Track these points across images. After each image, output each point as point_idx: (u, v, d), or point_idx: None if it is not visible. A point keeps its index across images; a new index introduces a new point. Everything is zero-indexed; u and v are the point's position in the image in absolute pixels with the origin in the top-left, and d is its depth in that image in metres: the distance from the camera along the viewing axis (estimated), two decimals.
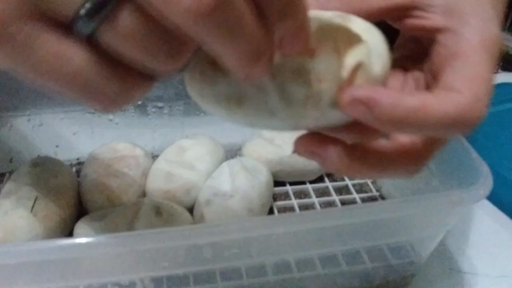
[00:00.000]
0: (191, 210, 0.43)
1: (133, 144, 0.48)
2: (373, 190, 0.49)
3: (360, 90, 0.21)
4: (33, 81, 0.18)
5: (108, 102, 0.19)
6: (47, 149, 0.51)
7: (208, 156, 0.47)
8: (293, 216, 0.34)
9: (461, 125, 0.22)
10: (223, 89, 0.22)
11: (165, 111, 0.53)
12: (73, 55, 0.18)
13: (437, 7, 0.25)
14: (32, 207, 0.39)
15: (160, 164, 0.45)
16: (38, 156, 0.49)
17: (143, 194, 0.44)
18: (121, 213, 0.38)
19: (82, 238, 0.29)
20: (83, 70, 0.18)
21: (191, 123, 0.53)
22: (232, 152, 0.54)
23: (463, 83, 0.23)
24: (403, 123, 0.21)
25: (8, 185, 0.41)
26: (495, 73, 0.24)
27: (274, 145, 0.49)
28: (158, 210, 0.38)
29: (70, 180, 0.44)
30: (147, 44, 0.18)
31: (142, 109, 0.52)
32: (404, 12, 0.26)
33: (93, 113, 0.51)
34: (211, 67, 0.21)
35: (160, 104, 0.52)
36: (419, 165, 0.25)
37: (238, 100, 0.22)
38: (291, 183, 0.49)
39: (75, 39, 0.18)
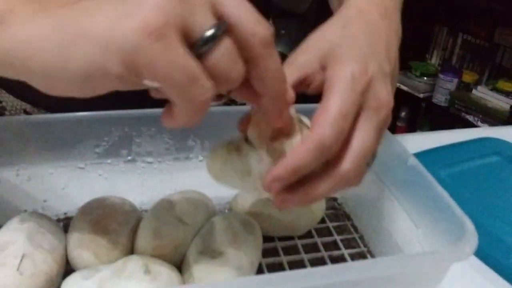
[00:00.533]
0: (179, 266, 0.43)
1: (122, 199, 0.48)
2: (361, 245, 0.49)
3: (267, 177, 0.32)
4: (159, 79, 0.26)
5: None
6: (34, 204, 0.51)
7: (197, 211, 0.47)
8: (283, 275, 0.34)
9: (320, 151, 0.31)
10: (239, 166, 0.35)
11: (155, 166, 0.53)
12: (191, 63, 0.26)
13: (317, 71, 0.36)
14: (19, 265, 0.38)
15: (148, 220, 0.45)
16: (25, 211, 0.49)
17: (132, 250, 0.44)
18: (109, 271, 0.38)
19: None
20: (195, 73, 0.26)
21: (180, 177, 0.54)
22: (221, 206, 0.55)
23: (314, 121, 0.32)
24: (296, 171, 0.31)
25: None
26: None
27: (263, 199, 0.49)
28: (146, 269, 0.38)
29: (58, 237, 0.43)
30: (232, 64, 0.27)
31: (131, 163, 0.52)
32: (305, 83, 0.36)
33: (83, 168, 0.51)
34: (229, 152, 0.35)
35: (149, 159, 0.53)
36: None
37: (248, 172, 0.34)
38: (280, 239, 0.49)
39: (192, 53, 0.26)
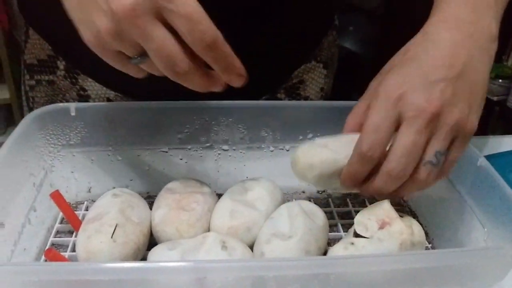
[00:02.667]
0: (250, 246, 0.46)
1: (200, 182, 0.52)
2: (426, 242, 0.51)
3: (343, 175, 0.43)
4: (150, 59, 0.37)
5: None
6: (122, 182, 0.56)
7: (268, 197, 0.50)
8: (353, 259, 0.37)
9: (362, 159, 0.40)
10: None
11: (230, 153, 0.57)
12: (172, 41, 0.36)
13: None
14: (113, 233, 0.43)
15: (225, 202, 0.49)
16: (114, 188, 0.54)
17: (208, 228, 0.48)
18: (190, 245, 0.42)
19: (161, 262, 0.33)
20: (176, 50, 0.36)
21: (252, 166, 0.58)
22: (289, 195, 0.58)
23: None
24: (352, 176, 0.42)
25: (92, 212, 0.46)
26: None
27: (328, 149, 0.50)
28: (224, 244, 0.42)
29: (145, 212, 0.48)
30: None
31: (209, 150, 0.56)
32: None
33: (166, 152, 0.56)
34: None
35: (225, 147, 0.57)
36: None
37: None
38: (345, 229, 0.51)
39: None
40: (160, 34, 0.36)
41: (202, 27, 0.35)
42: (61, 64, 0.59)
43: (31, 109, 0.63)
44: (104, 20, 0.35)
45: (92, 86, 0.60)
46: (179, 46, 0.36)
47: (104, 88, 0.60)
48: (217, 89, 0.40)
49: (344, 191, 0.45)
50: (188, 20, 0.35)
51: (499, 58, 2.22)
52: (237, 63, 0.38)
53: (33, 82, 0.62)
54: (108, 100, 0.60)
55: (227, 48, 0.37)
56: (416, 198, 0.57)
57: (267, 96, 0.63)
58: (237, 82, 0.39)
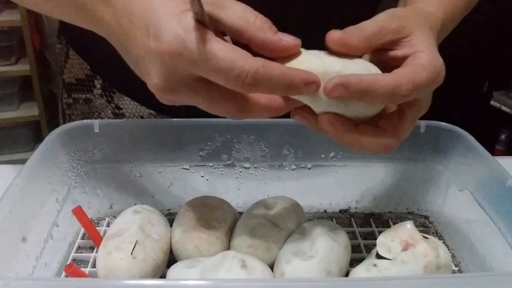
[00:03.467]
0: (270, 266, 0.45)
1: (221, 200, 0.52)
2: (452, 265, 0.49)
3: (338, 77, 0.35)
4: None
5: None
6: (143, 198, 0.56)
7: (290, 215, 0.50)
8: (371, 281, 0.35)
9: (395, 94, 0.35)
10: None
11: (251, 171, 0.57)
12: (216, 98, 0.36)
13: (405, 43, 0.39)
14: (132, 250, 0.43)
15: (245, 220, 0.48)
16: (135, 204, 0.55)
17: (228, 247, 0.47)
18: (209, 263, 0.42)
19: (180, 280, 0.32)
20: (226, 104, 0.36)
21: (274, 184, 0.57)
22: (311, 215, 0.57)
23: (401, 72, 0.37)
24: (367, 91, 0.35)
25: (113, 228, 0.47)
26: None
27: (320, 59, 0.40)
28: (243, 263, 0.41)
29: (165, 229, 0.48)
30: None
31: (230, 168, 0.56)
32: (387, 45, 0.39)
33: (187, 169, 0.56)
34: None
35: (247, 165, 0.57)
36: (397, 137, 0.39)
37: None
38: (367, 249, 0.50)
39: None
40: (205, 96, 0.36)
41: (235, 72, 0.33)
42: (98, 83, 0.61)
43: None
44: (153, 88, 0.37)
45: (127, 104, 0.61)
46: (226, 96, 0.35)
47: (139, 106, 0.61)
48: (294, 106, 0.38)
49: (321, 109, 0.37)
50: (218, 74, 0.33)
51: None
52: (295, 75, 0.34)
53: (70, 101, 0.64)
54: (142, 118, 0.61)
55: (274, 70, 0.34)
56: (442, 219, 0.56)
57: None
58: (311, 89, 0.35)
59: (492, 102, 1.97)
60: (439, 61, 0.38)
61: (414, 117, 0.40)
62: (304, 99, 0.37)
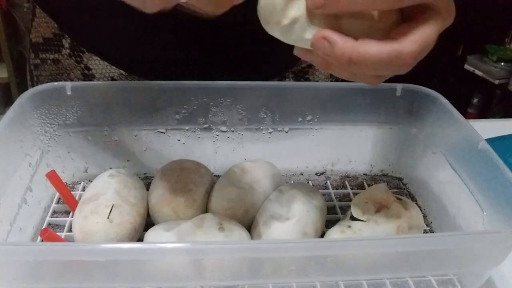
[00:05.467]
0: (248, 228, 0.46)
1: (197, 163, 0.51)
2: (424, 225, 0.50)
3: (328, 31, 0.31)
4: None
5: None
6: (119, 163, 0.56)
7: (267, 179, 0.50)
8: (348, 241, 0.36)
9: (392, 64, 0.31)
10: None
11: (228, 135, 0.57)
12: None
13: None
14: (109, 214, 0.43)
15: (223, 184, 0.48)
16: (111, 168, 0.54)
17: (205, 210, 0.47)
18: (186, 226, 0.42)
19: (157, 243, 0.33)
20: None
21: (250, 147, 0.57)
22: (287, 178, 0.57)
23: (405, 37, 0.31)
24: (351, 58, 0.30)
25: (88, 192, 0.46)
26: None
27: None
28: (220, 226, 0.41)
29: (141, 193, 0.48)
30: None
31: (207, 131, 0.56)
32: None
33: (163, 132, 0.55)
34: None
35: (223, 128, 0.56)
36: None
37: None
38: (343, 211, 0.51)
39: None
40: None
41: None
42: (66, 43, 0.59)
43: None
44: None
45: (96, 64, 0.59)
46: None
47: (109, 67, 0.59)
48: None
49: (308, 46, 0.33)
50: None
51: (501, 41, 2.21)
52: None
53: (38, 61, 0.62)
54: (112, 79, 0.60)
55: None
56: (415, 181, 0.57)
57: (275, 79, 0.62)
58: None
59: (466, 66, 1.99)
60: None
61: (433, 26, 0.33)
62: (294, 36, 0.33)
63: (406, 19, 0.34)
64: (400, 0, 0.31)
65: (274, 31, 0.33)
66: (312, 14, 0.32)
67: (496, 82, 2.11)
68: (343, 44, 0.31)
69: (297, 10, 0.32)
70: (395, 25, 0.33)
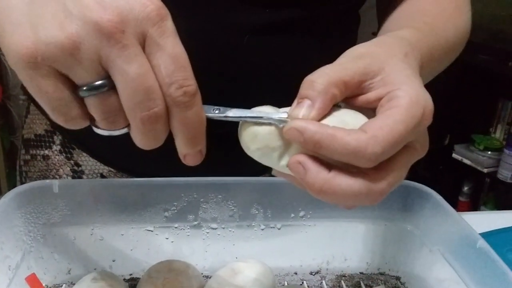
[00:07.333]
0: None
1: (186, 264, 0.49)
2: None
3: (303, 156, 0.31)
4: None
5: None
6: (104, 262, 0.53)
7: (258, 281, 0.47)
8: None
9: (357, 156, 0.30)
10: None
11: (218, 232, 0.55)
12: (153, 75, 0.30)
13: (377, 83, 0.33)
14: None
15: (212, 286, 0.46)
16: (95, 269, 0.51)
17: None
18: None
19: None
20: (156, 86, 0.30)
21: (242, 245, 0.55)
22: (280, 277, 0.55)
23: (372, 127, 0.30)
24: (321, 145, 0.30)
25: None
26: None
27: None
28: None
29: None
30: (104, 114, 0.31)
31: (197, 229, 0.54)
32: (356, 89, 0.33)
33: (151, 231, 0.53)
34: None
35: (214, 225, 0.55)
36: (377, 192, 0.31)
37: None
38: None
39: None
40: (143, 62, 0.29)
41: (185, 73, 0.30)
42: (57, 139, 0.59)
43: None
44: (68, 27, 0.28)
45: (86, 161, 0.59)
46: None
47: (98, 164, 0.59)
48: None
49: (284, 170, 0.34)
50: (173, 61, 0.30)
51: (486, 130, 2.27)
52: (204, 137, 0.32)
53: (28, 157, 0.62)
54: (102, 175, 0.59)
55: (203, 113, 0.32)
56: (414, 280, 0.55)
57: (266, 175, 0.61)
58: (194, 160, 0.33)
59: (454, 155, 2.03)
60: (420, 95, 0.32)
61: (406, 161, 0.32)
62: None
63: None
64: (375, 159, 0.30)
65: (253, 155, 0.35)
66: (289, 144, 0.33)
67: (485, 170, 2.14)
68: (316, 174, 0.31)
69: (276, 140, 0.33)
70: None
